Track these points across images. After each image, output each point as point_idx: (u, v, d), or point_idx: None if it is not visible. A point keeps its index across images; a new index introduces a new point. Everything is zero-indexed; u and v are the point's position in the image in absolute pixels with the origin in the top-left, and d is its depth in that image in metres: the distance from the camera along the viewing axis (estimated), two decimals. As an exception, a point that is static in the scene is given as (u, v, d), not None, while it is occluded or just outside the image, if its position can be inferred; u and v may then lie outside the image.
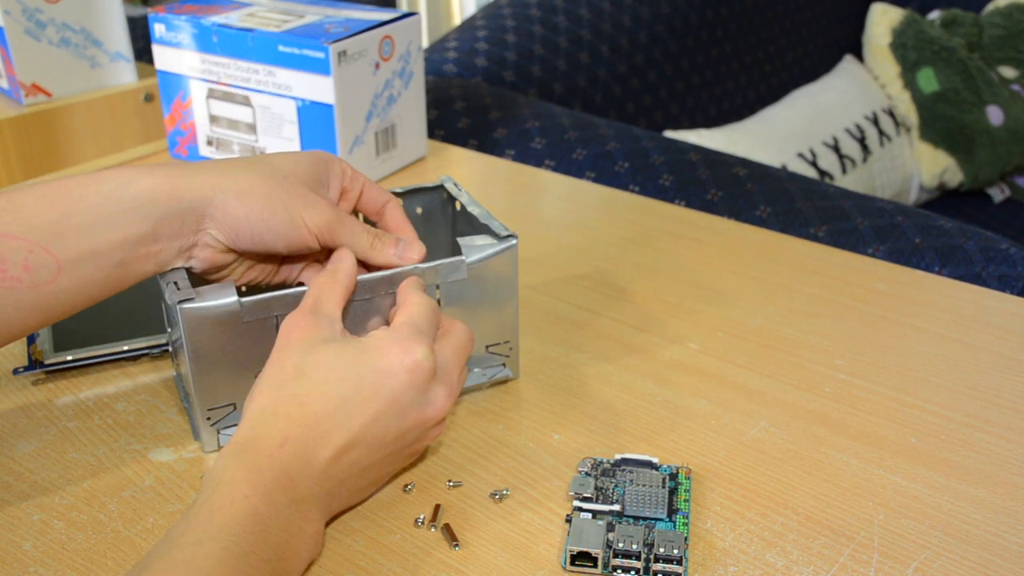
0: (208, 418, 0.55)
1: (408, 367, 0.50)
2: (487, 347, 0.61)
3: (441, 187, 0.66)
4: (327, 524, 0.51)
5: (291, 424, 0.48)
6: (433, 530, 0.51)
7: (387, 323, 0.56)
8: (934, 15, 2.03)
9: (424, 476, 0.55)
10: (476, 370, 0.62)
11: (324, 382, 0.49)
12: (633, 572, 0.48)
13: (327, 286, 0.53)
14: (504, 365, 0.62)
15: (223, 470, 0.46)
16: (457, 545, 0.50)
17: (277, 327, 0.54)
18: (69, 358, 0.63)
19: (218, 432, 0.56)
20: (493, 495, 0.53)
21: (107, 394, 0.62)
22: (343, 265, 0.55)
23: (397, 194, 0.66)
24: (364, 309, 0.56)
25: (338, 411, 0.49)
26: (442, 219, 0.68)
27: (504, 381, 0.62)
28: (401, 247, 0.57)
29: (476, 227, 0.62)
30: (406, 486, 0.53)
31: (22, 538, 0.50)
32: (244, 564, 0.42)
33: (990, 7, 2.00)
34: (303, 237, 0.54)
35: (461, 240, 0.59)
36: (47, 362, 0.63)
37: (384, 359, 0.50)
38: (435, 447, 0.57)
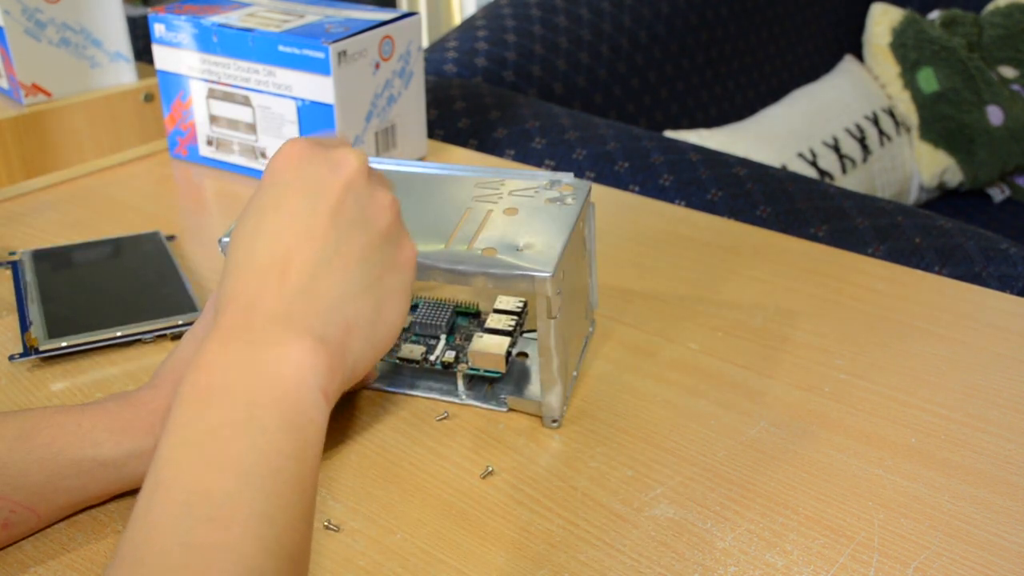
0: None
1: (345, 163, 0.47)
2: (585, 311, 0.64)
3: None
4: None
5: (240, 269, 0.44)
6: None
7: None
8: (934, 15, 2.03)
9: (424, 475, 0.55)
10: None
11: (262, 208, 0.45)
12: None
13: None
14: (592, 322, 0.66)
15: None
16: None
17: None
18: (64, 344, 0.63)
19: None
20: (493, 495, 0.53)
21: (104, 379, 0.62)
22: None
23: None
24: None
25: (285, 216, 0.45)
26: None
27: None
28: None
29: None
30: (405, 486, 0.54)
31: (22, 538, 0.50)
32: (204, 422, 0.38)
33: (990, 7, 2.00)
34: None
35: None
36: (42, 348, 0.63)
37: (318, 159, 0.47)
38: (433, 444, 0.57)
